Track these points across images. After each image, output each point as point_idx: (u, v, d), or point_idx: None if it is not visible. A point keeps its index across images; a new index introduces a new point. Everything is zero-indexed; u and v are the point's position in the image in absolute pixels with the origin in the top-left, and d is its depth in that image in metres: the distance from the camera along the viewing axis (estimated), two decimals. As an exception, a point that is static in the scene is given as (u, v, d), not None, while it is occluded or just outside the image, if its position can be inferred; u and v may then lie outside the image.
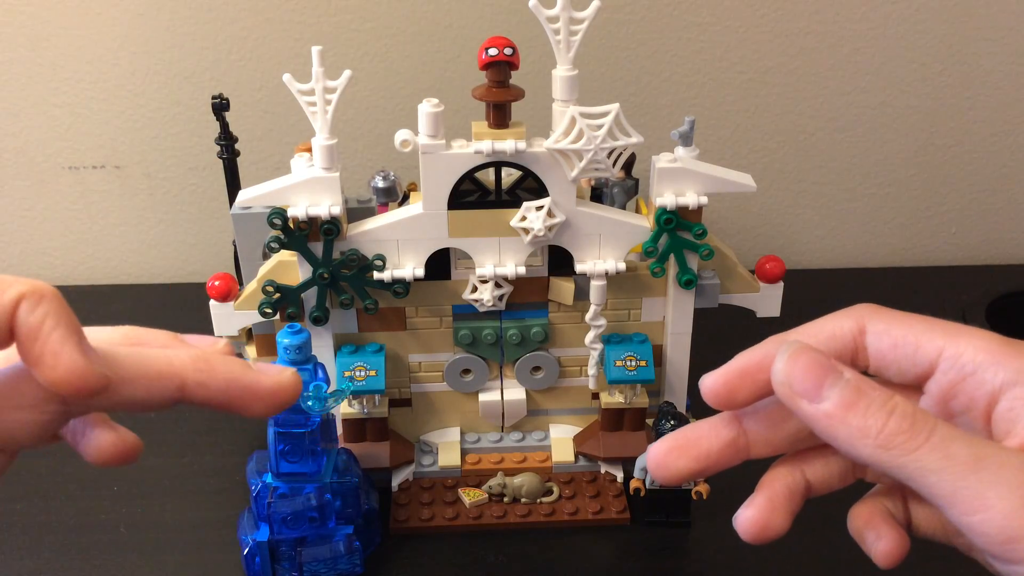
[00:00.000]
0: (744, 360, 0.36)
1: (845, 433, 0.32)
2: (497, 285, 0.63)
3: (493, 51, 0.57)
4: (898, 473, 0.31)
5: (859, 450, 0.31)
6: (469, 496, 0.66)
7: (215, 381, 0.36)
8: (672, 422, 0.61)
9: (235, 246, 0.69)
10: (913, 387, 0.37)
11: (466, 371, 0.68)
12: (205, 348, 0.37)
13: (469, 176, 0.60)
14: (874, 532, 0.38)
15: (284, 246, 0.61)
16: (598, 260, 0.63)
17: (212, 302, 0.64)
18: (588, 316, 0.64)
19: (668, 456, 0.37)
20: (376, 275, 0.62)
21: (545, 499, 0.66)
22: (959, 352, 0.34)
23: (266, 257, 0.66)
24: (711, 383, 0.36)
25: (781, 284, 0.66)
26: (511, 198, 0.61)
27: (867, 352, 0.36)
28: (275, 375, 0.36)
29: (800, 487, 0.39)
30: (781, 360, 0.33)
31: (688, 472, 0.37)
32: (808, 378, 0.32)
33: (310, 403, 0.56)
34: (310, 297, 0.63)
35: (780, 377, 0.33)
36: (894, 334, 0.35)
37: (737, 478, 0.71)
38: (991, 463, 0.30)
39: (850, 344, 0.36)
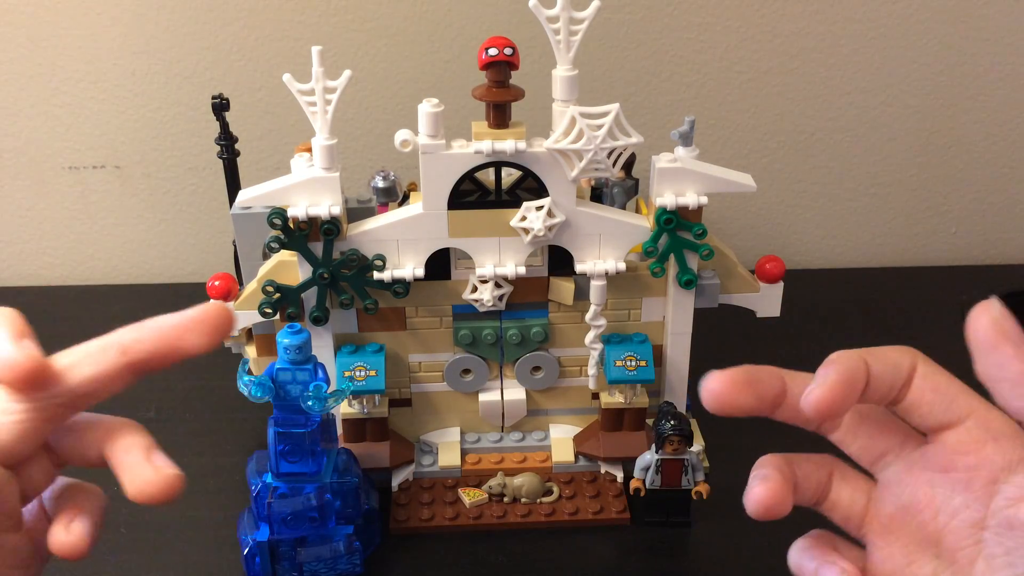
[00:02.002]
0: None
1: None
2: (497, 285, 0.63)
3: (493, 51, 0.57)
4: None
5: None
6: (469, 496, 0.66)
7: (146, 331, 0.40)
8: (672, 422, 0.61)
9: (235, 246, 0.69)
10: (918, 432, 0.41)
11: (466, 371, 0.68)
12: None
13: (469, 176, 0.60)
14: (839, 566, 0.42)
15: (284, 246, 0.61)
16: (598, 260, 0.63)
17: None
18: (588, 316, 0.64)
19: (735, 388, 0.40)
20: (376, 275, 0.62)
21: (545, 499, 0.66)
22: (990, 418, 0.38)
23: (266, 257, 0.66)
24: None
25: (781, 284, 0.66)
26: (511, 198, 0.61)
27: (910, 388, 0.39)
28: (200, 306, 0.40)
29: (794, 480, 0.42)
30: (997, 304, 0.37)
31: (746, 407, 0.40)
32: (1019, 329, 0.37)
33: (310, 403, 0.56)
34: (310, 297, 0.63)
35: (998, 314, 0.37)
36: (938, 380, 0.39)
37: (736, 478, 0.71)
38: None
39: (905, 377, 0.39)
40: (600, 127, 0.57)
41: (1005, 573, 0.38)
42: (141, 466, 0.41)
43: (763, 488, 0.41)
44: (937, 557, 0.41)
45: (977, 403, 0.39)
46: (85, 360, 0.40)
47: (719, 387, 0.40)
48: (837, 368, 0.39)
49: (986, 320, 0.37)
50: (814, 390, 0.39)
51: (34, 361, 0.37)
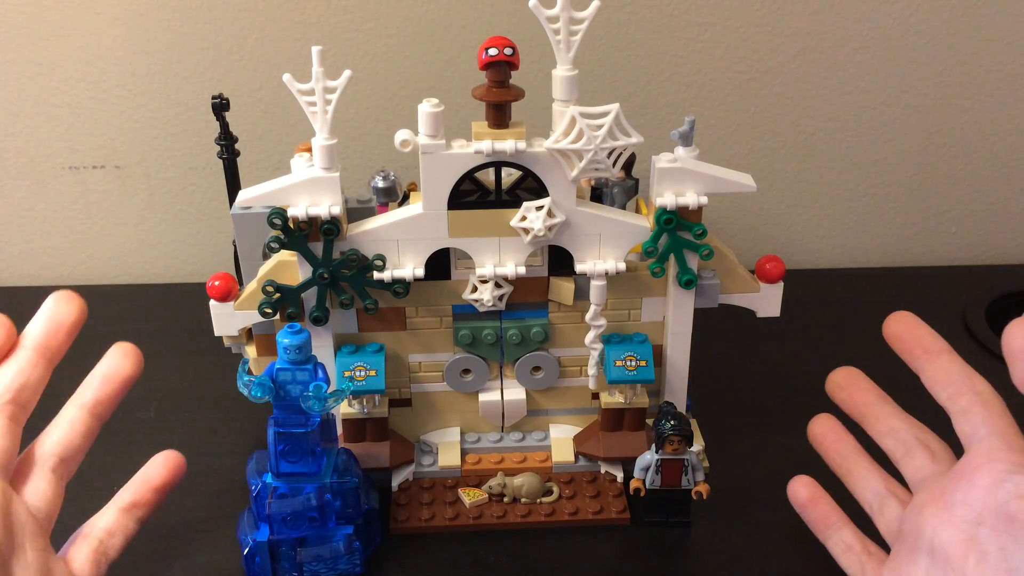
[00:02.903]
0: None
1: None
2: (497, 285, 0.63)
3: (493, 51, 0.57)
4: None
5: None
6: (469, 496, 0.66)
7: (90, 385, 0.52)
8: (672, 422, 0.61)
9: (235, 246, 0.69)
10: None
11: (466, 371, 0.68)
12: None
13: (469, 176, 0.60)
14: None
15: (284, 246, 0.61)
16: (598, 260, 0.63)
17: (212, 302, 0.64)
18: (588, 316, 0.64)
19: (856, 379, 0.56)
20: (376, 275, 0.62)
21: (545, 499, 0.66)
22: (1016, 438, 0.44)
23: (266, 257, 0.66)
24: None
25: (781, 284, 0.66)
26: (511, 198, 0.61)
27: (965, 398, 0.48)
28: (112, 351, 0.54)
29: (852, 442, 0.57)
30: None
31: (855, 404, 0.55)
32: None
33: (310, 403, 0.56)
34: (310, 297, 0.63)
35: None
36: (992, 402, 0.47)
37: (735, 479, 0.71)
38: None
39: (965, 389, 0.48)
40: (600, 127, 0.57)
41: (998, 568, 0.39)
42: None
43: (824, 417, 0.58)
44: (931, 555, 0.42)
45: (1013, 429, 0.44)
46: (64, 442, 0.50)
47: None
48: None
49: (1022, 332, 0.43)
50: (900, 312, 0.52)
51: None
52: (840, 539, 0.54)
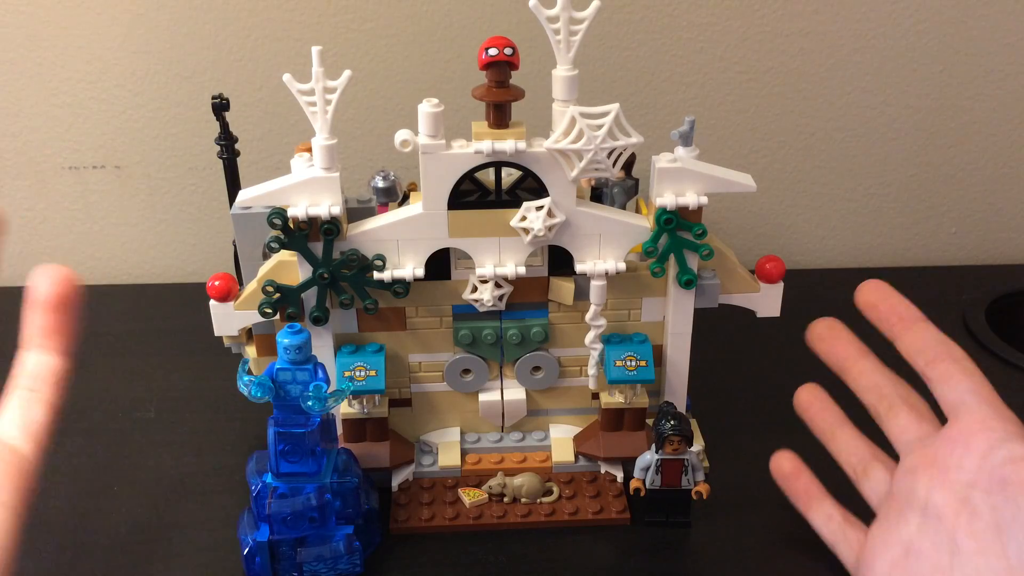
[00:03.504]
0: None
1: None
2: (497, 285, 0.63)
3: (493, 51, 0.57)
4: None
5: None
6: (469, 496, 0.66)
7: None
8: (672, 422, 0.61)
9: (235, 246, 0.69)
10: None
11: (466, 371, 0.68)
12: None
13: (469, 176, 0.60)
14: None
15: (284, 246, 0.61)
16: (598, 260, 0.63)
17: (212, 302, 0.64)
18: (588, 316, 0.64)
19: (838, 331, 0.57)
20: (376, 275, 0.62)
21: (545, 499, 0.66)
22: (1003, 409, 0.45)
23: (266, 257, 0.66)
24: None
25: (781, 284, 0.66)
26: (511, 198, 0.61)
27: (944, 365, 0.49)
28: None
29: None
30: None
31: (837, 356, 0.56)
32: None
33: (310, 403, 0.56)
34: (310, 297, 0.63)
35: None
36: (972, 371, 0.48)
37: (736, 479, 0.71)
38: None
39: (944, 354, 0.50)
40: (600, 127, 0.57)
41: (989, 530, 0.40)
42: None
43: (810, 386, 0.59)
44: (923, 514, 0.44)
45: (998, 401, 0.44)
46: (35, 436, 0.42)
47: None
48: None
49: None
50: (872, 280, 0.54)
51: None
52: (821, 510, 0.55)
